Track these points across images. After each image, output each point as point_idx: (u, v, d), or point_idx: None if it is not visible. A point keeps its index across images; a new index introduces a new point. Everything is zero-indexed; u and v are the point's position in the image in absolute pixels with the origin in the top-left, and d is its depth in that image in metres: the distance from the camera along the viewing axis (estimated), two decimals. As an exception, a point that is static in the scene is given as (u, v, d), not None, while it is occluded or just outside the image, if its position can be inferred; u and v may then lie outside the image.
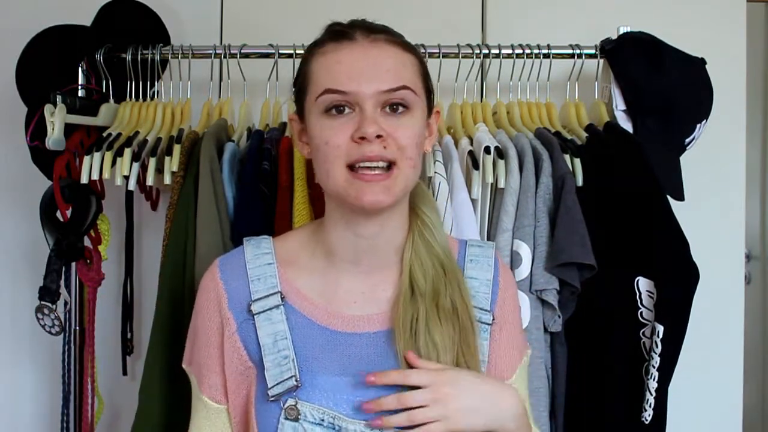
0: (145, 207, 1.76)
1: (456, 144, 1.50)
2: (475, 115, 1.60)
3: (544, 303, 1.37)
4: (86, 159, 1.44)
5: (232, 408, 1.06)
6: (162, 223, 1.44)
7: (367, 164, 0.95)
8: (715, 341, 1.83)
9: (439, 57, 1.57)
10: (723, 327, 1.86)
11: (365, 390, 0.99)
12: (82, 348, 1.66)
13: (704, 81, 1.62)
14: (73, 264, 1.60)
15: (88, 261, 1.57)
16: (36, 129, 1.49)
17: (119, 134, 1.50)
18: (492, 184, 1.43)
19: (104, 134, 1.50)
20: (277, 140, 1.45)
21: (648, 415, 1.37)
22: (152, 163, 1.44)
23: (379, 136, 0.95)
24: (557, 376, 1.40)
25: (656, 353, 1.35)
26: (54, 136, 1.43)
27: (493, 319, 1.06)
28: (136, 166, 1.44)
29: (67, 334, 1.65)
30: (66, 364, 1.66)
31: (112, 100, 1.61)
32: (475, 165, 1.42)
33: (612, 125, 1.53)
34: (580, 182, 1.43)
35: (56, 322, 1.48)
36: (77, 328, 1.66)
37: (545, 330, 1.39)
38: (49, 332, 1.50)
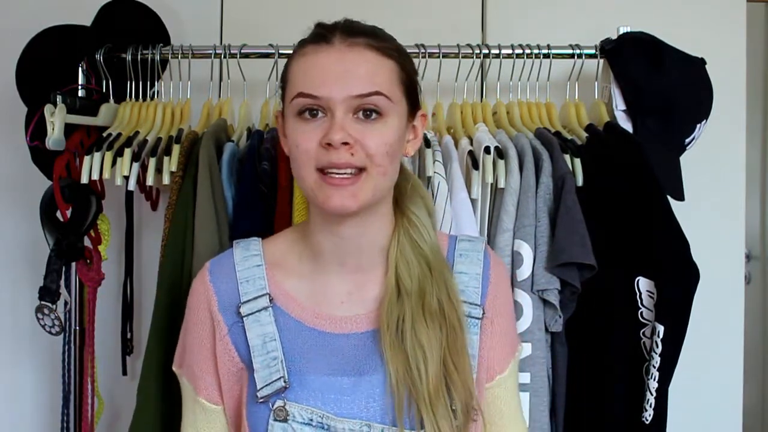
0: (145, 207, 1.76)
1: (456, 144, 1.50)
2: (475, 115, 1.60)
3: (545, 303, 1.37)
4: (86, 159, 1.44)
5: (227, 409, 1.07)
6: (162, 223, 1.44)
7: (335, 170, 0.96)
8: (715, 341, 1.83)
9: (439, 57, 1.57)
10: (723, 327, 1.86)
11: (353, 389, 1.00)
12: (82, 348, 1.66)
13: (704, 81, 1.62)
14: (73, 264, 1.60)
15: (88, 261, 1.57)
16: (36, 129, 1.49)
17: (119, 134, 1.50)
18: (492, 184, 1.43)
19: (104, 134, 1.50)
20: (276, 140, 1.45)
21: (648, 415, 1.37)
22: (152, 163, 1.44)
23: (345, 143, 0.95)
24: (557, 376, 1.40)
25: (657, 353, 1.35)
26: (54, 136, 1.43)
27: (484, 313, 1.06)
28: (136, 166, 1.44)
29: (67, 334, 1.65)
30: (66, 364, 1.66)
31: (112, 100, 1.61)
32: (475, 165, 1.42)
33: (612, 125, 1.53)
34: (580, 182, 1.43)
35: (56, 322, 1.48)
36: (77, 328, 1.66)
37: (546, 330, 1.39)
38: (49, 332, 1.50)
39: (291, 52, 1.53)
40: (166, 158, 1.45)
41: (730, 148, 1.88)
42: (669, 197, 1.43)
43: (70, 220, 1.51)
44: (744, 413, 1.89)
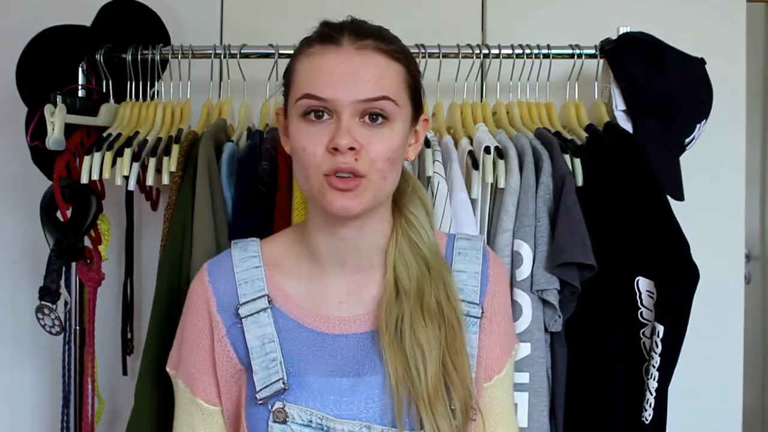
0: (145, 207, 1.76)
1: (456, 144, 1.50)
2: (474, 115, 1.60)
3: (545, 303, 1.37)
4: (86, 159, 1.44)
5: (225, 411, 1.07)
6: (162, 223, 1.44)
7: (339, 175, 0.95)
8: (715, 341, 1.83)
9: (439, 57, 1.57)
10: (723, 327, 1.86)
11: (352, 390, 0.99)
12: (82, 348, 1.66)
13: (704, 81, 1.62)
14: (73, 264, 1.60)
15: (88, 261, 1.57)
16: (36, 129, 1.48)
17: (119, 134, 1.50)
18: (492, 184, 1.43)
19: (104, 134, 1.50)
20: (276, 140, 1.45)
21: (648, 415, 1.37)
22: (152, 163, 1.44)
23: (352, 148, 0.94)
24: (557, 376, 1.40)
25: (656, 353, 1.35)
26: (54, 136, 1.43)
27: (482, 312, 1.06)
28: (136, 166, 1.44)
29: (67, 334, 1.65)
30: (66, 364, 1.66)
31: (112, 100, 1.61)
32: (475, 165, 1.42)
33: (612, 125, 1.53)
34: (580, 182, 1.43)
35: (56, 322, 1.48)
36: (77, 328, 1.66)
37: (545, 330, 1.39)
38: (49, 332, 1.50)
39: (291, 52, 1.54)
40: (165, 158, 1.45)
41: (730, 148, 1.88)
42: (669, 197, 1.43)
43: (70, 220, 1.51)
44: (744, 413, 1.89)
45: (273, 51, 1.58)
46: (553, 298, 1.36)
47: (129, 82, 1.61)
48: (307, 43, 1.01)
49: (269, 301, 1.04)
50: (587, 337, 1.39)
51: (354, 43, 0.98)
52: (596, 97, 1.64)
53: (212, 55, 1.59)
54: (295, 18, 1.80)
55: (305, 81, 0.98)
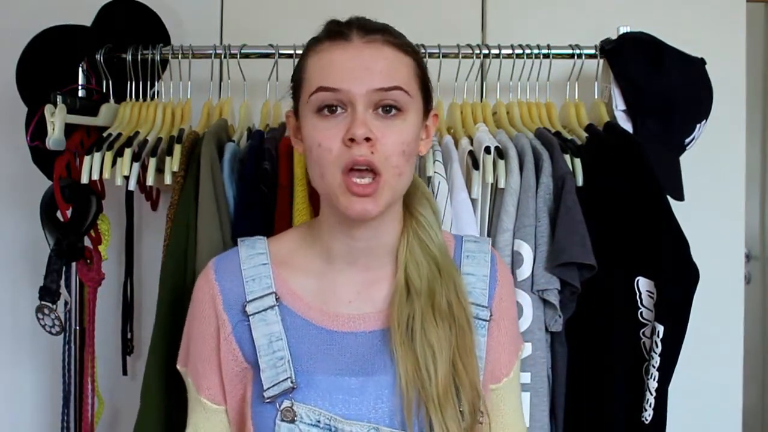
0: (145, 207, 1.76)
1: (456, 144, 1.50)
2: (475, 115, 1.60)
3: (545, 303, 1.37)
4: (86, 159, 1.43)
5: (229, 409, 1.06)
6: (162, 223, 1.44)
7: (356, 172, 0.95)
8: (715, 341, 1.82)
9: (439, 57, 1.57)
10: (723, 327, 1.86)
11: (361, 390, 0.99)
12: (82, 348, 1.66)
13: (704, 81, 1.62)
14: (73, 264, 1.60)
15: (88, 261, 1.57)
16: (36, 129, 1.49)
17: (119, 134, 1.50)
18: (492, 184, 1.43)
19: (104, 134, 1.50)
20: (277, 140, 1.45)
21: (648, 414, 1.37)
22: (152, 163, 1.44)
23: (368, 139, 0.94)
24: (557, 376, 1.40)
25: (656, 353, 1.35)
26: (54, 136, 1.43)
27: (491, 315, 1.06)
28: (136, 166, 1.44)
29: (67, 334, 1.64)
30: (66, 364, 1.66)
31: (112, 100, 1.61)
32: (476, 165, 1.42)
33: (612, 125, 1.53)
34: (580, 182, 1.43)
35: (56, 322, 1.48)
36: (77, 328, 1.66)
37: (546, 330, 1.39)
38: (49, 332, 1.50)
39: (291, 52, 1.56)
40: (167, 158, 1.44)
41: (730, 148, 1.88)
42: (669, 197, 1.43)
43: (70, 220, 1.51)
44: (744, 413, 1.89)
45: (273, 51, 1.58)
46: (554, 298, 1.36)
47: (129, 82, 1.61)
48: (315, 42, 1.02)
49: (277, 299, 1.03)
50: (587, 337, 1.39)
51: (363, 38, 0.98)
52: (596, 97, 1.64)
53: (212, 55, 1.59)
54: (295, 18, 1.82)
55: (317, 76, 0.98)
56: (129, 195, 1.67)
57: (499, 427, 1.08)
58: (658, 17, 1.83)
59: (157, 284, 1.37)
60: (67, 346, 1.65)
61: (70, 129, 1.48)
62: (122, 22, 1.66)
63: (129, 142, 1.47)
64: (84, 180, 1.44)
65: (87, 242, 1.57)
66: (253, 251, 1.07)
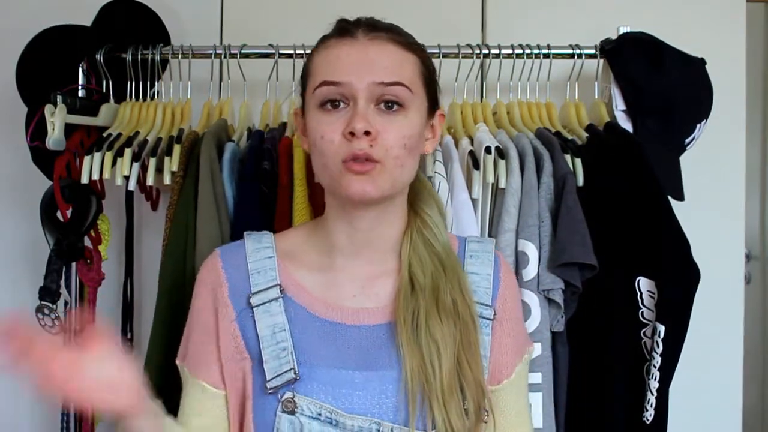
0: (145, 207, 1.76)
1: (456, 144, 1.50)
2: (475, 115, 1.60)
3: (550, 302, 1.37)
4: (86, 159, 1.44)
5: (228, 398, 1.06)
6: (162, 223, 1.44)
7: (357, 159, 0.96)
8: (715, 341, 1.82)
9: (439, 57, 1.56)
10: (723, 327, 1.85)
11: (365, 384, 0.99)
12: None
13: (704, 81, 1.62)
14: (73, 264, 1.60)
15: (88, 261, 1.57)
16: (36, 129, 1.48)
17: (119, 134, 1.50)
18: (492, 184, 1.43)
19: (104, 134, 1.50)
20: (277, 140, 1.45)
21: (649, 415, 1.37)
22: (152, 163, 1.44)
23: (368, 133, 0.95)
24: (559, 376, 1.40)
25: (657, 353, 1.35)
26: (54, 136, 1.43)
27: (495, 314, 1.06)
28: (136, 166, 1.44)
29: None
30: (66, 364, 1.65)
31: (112, 100, 1.61)
32: (476, 165, 1.42)
33: (612, 125, 1.53)
34: (580, 182, 1.43)
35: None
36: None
37: (549, 330, 1.39)
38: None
39: (291, 52, 1.57)
40: (166, 158, 1.44)
41: (730, 148, 1.88)
42: (669, 197, 1.43)
43: (70, 220, 1.51)
44: (744, 413, 1.89)
45: (273, 51, 1.58)
46: (559, 298, 1.36)
47: (129, 82, 1.60)
48: (323, 39, 1.04)
49: (281, 290, 1.04)
50: (588, 337, 1.39)
51: (369, 35, 1.00)
52: (596, 97, 1.64)
53: (212, 55, 1.59)
54: (295, 18, 1.83)
55: (322, 71, 1.00)
56: (129, 195, 1.67)
57: (501, 429, 1.07)
58: (658, 17, 1.83)
59: (157, 284, 1.37)
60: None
61: (70, 129, 1.48)
62: (122, 22, 1.66)
63: (129, 142, 1.47)
64: (84, 180, 1.44)
65: (87, 242, 1.57)
66: (260, 245, 1.08)
